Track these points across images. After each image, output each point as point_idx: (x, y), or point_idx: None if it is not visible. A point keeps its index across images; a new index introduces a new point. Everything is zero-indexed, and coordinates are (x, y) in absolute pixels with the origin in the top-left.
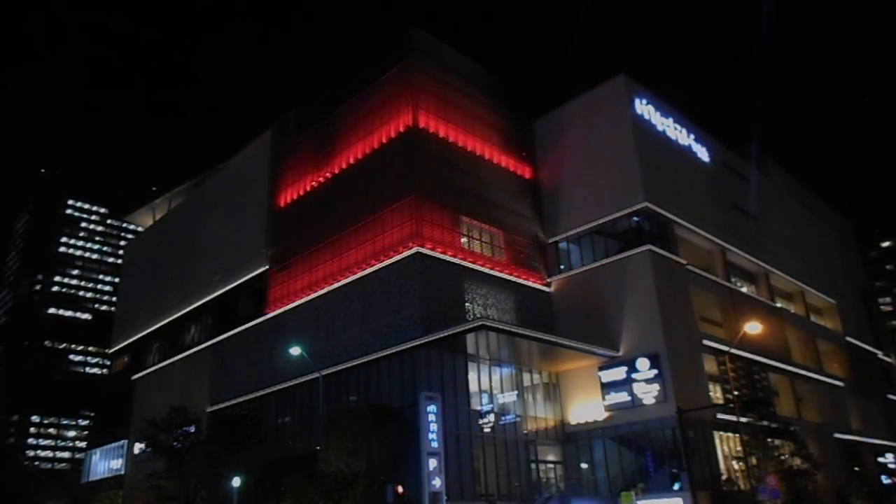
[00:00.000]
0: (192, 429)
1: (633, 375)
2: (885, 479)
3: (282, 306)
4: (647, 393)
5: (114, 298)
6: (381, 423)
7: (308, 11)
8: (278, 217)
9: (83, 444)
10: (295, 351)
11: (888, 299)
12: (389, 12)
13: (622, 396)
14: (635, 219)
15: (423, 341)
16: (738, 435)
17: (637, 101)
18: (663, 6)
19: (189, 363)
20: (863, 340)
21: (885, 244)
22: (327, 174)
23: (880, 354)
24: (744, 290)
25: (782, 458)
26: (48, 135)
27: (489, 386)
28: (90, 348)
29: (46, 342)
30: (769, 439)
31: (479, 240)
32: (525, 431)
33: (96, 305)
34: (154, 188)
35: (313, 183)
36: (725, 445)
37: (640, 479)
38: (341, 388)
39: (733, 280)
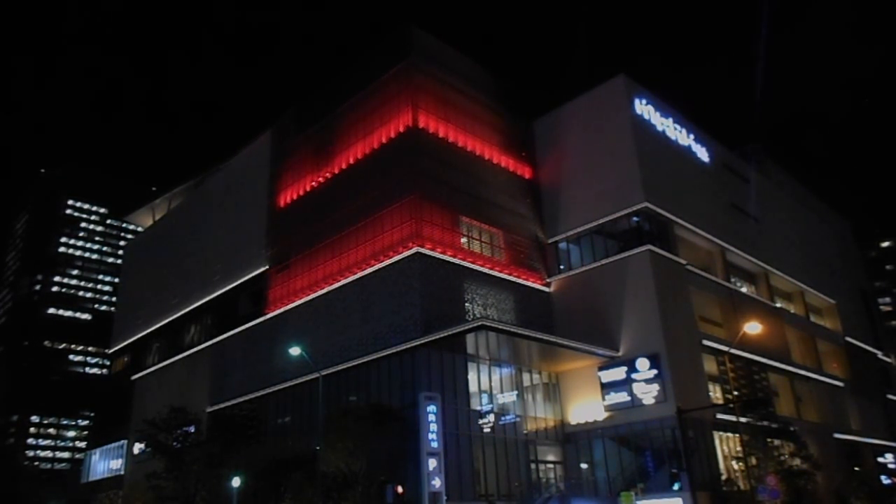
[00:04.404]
0: (192, 429)
1: (633, 375)
2: (885, 479)
3: (282, 306)
4: (647, 393)
5: (114, 298)
6: (380, 423)
7: (308, 11)
8: (278, 217)
9: (83, 444)
10: (295, 351)
11: (888, 299)
12: (389, 12)
13: (622, 396)
14: (635, 219)
15: (423, 341)
16: (737, 435)
17: (637, 102)
18: (663, 7)
19: (189, 363)
20: (862, 340)
21: (885, 244)
22: (327, 174)
23: (880, 354)
24: (744, 290)
25: (782, 458)
26: (48, 135)
27: (489, 386)
28: (90, 348)
29: (46, 342)
30: (769, 439)
31: (479, 240)
32: (525, 431)
33: (96, 305)
34: (154, 188)
35: (313, 183)
36: (725, 445)
37: (640, 479)
38: (341, 388)
39: (733, 280)
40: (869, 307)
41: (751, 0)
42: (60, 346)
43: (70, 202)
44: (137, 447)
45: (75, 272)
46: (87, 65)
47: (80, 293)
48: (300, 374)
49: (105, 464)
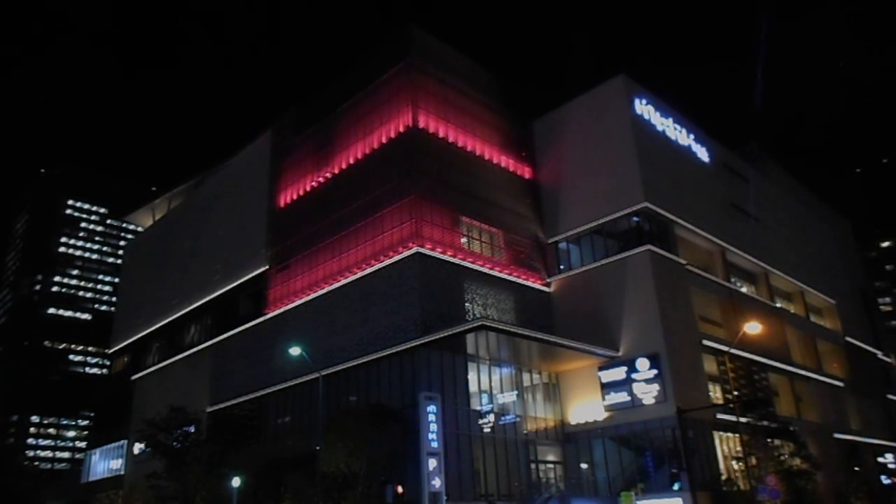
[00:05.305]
0: (192, 429)
1: (633, 375)
2: (885, 479)
3: (282, 306)
4: (647, 393)
5: (114, 298)
6: (380, 423)
7: (308, 11)
8: (278, 217)
9: (83, 444)
10: (295, 351)
11: (888, 299)
12: (389, 12)
13: (622, 396)
14: (635, 219)
15: (422, 341)
16: (737, 435)
17: (637, 102)
18: (663, 7)
19: (189, 363)
20: (862, 340)
21: (885, 244)
22: (327, 174)
23: (880, 354)
24: (744, 290)
25: (782, 458)
26: (48, 135)
27: (489, 386)
28: (90, 348)
29: (46, 342)
30: (769, 439)
31: (479, 240)
32: (525, 431)
33: (96, 305)
34: (154, 188)
35: (313, 183)
36: (725, 445)
37: (640, 479)
38: (341, 388)
39: (733, 280)
40: (869, 307)
41: (751, 0)
42: (60, 346)
43: (70, 202)
44: (137, 447)
45: (75, 272)
46: (87, 64)
47: (80, 293)
48: (300, 374)
49: (105, 464)
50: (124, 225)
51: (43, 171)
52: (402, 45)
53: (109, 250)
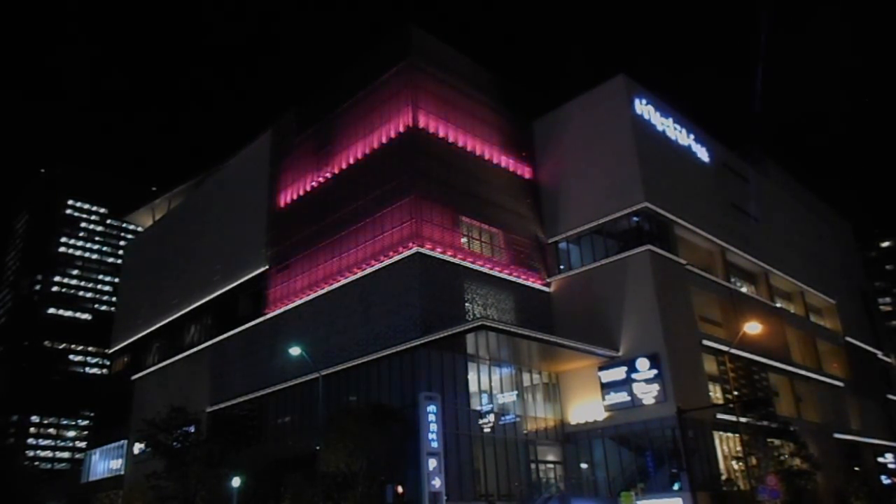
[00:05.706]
0: (192, 429)
1: (633, 375)
2: (885, 479)
3: (282, 306)
4: (647, 393)
5: (114, 298)
6: (380, 423)
7: (308, 11)
8: (278, 217)
9: (83, 444)
10: (295, 351)
11: (888, 299)
12: (389, 12)
13: (622, 396)
14: (635, 219)
15: (422, 341)
16: (737, 435)
17: (637, 102)
18: (663, 8)
19: (189, 363)
20: (862, 340)
21: (885, 244)
22: (327, 174)
23: (880, 354)
24: (744, 290)
25: (782, 458)
26: (48, 135)
27: (489, 386)
28: (90, 348)
29: (46, 342)
30: (769, 439)
31: (479, 240)
32: (525, 431)
33: (96, 305)
34: (154, 188)
35: (313, 183)
36: (725, 445)
37: (640, 479)
38: (341, 388)
39: (733, 280)
40: (869, 307)
41: (751, 1)
42: (60, 346)
43: (70, 202)
44: (137, 447)
45: (75, 272)
46: (87, 65)
47: (80, 293)
48: (300, 374)
49: (105, 464)
50: (124, 225)
51: (43, 171)
52: (401, 45)
53: (109, 250)
